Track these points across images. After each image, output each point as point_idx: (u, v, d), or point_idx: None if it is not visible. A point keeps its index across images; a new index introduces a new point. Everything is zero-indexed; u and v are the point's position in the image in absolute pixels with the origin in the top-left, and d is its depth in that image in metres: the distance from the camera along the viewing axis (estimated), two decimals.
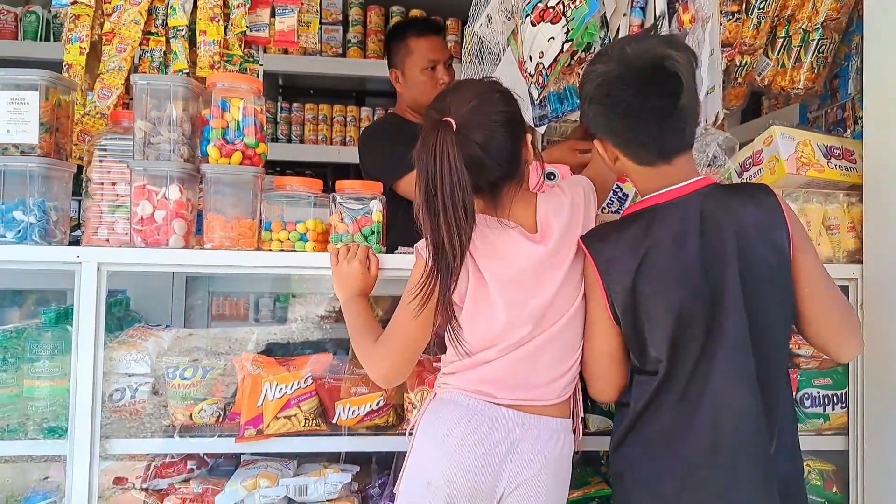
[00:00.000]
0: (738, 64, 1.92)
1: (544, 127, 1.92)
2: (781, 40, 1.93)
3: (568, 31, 1.63)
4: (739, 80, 1.95)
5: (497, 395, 1.24)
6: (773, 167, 1.54)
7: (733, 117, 2.51)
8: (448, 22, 3.46)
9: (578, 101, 1.83)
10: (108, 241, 1.47)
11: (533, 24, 1.70)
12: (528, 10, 1.71)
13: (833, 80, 2.02)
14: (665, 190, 1.20)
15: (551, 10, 1.66)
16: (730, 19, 1.87)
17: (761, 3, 1.89)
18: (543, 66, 1.69)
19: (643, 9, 1.79)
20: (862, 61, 1.64)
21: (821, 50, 1.90)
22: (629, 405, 1.22)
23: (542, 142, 3.55)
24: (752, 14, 1.87)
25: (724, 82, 1.86)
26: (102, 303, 1.39)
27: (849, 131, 1.95)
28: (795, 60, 1.91)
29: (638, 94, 1.15)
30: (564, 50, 1.64)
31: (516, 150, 1.24)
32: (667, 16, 1.68)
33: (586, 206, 1.32)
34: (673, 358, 1.15)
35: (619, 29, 1.85)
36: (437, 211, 1.15)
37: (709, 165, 1.62)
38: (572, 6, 1.62)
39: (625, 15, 1.85)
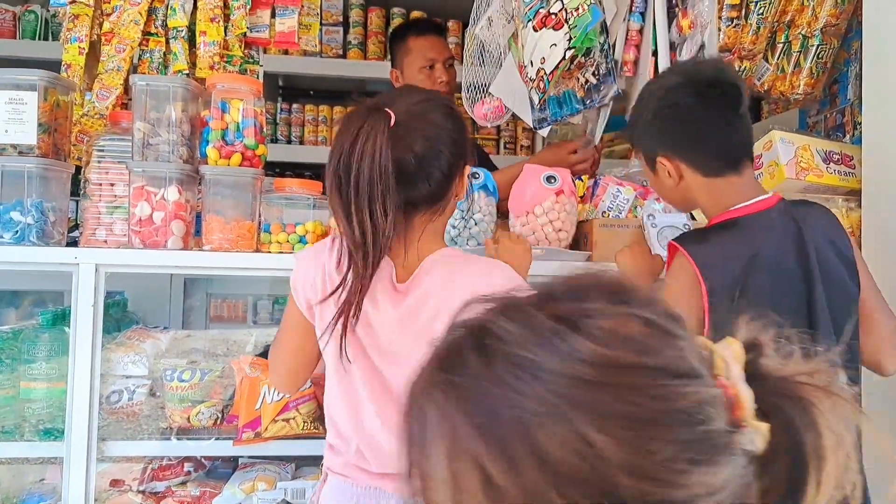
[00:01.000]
0: (737, 69, 1.92)
1: (546, 130, 1.92)
2: (781, 45, 1.93)
3: (570, 38, 1.63)
4: None
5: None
6: (772, 172, 1.55)
7: None
8: (449, 24, 3.46)
9: (578, 103, 1.84)
10: (106, 242, 1.47)
11: (535, 30, 1.70)
12: (531, 16, 1.71)
13: (832, 86, 2.02)
14: (752, 201, 1.17)
15: (553, 17, 1.66)
16: (729, 25, 1.87)
17: (761, 8, 1.89)
18: (545, 72, 1.69)
19: (643, 14, 1.80)
20: (861, 67, 1.64)
21: (820, 55, 1.90)
22: None
23: (544, 145, 3.55)
24: (751, 19, 1.87)
25: None
26: (100, 304, 1.38)
27: (848, 136, 1.95)
28: (795, 66, 1.91)
29: (702, 99, 1.16)
30: (566, 57, 1.65)
31: (450, 175, 1.08)
32: (706, 46, 1.68)
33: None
34: None
35: (618, 34, 1.86)
36: (349, 202, 1.00)
37: None
38: (575, 14, 1.62)
39: (624, 20, 1.86)
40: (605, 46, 1.76)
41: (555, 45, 1.65)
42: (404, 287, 1.07)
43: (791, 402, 0.44)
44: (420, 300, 1.06)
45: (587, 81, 1.78)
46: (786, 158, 1.53)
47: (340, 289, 1.04)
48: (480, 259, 1.17)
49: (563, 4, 1.65)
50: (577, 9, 1.62)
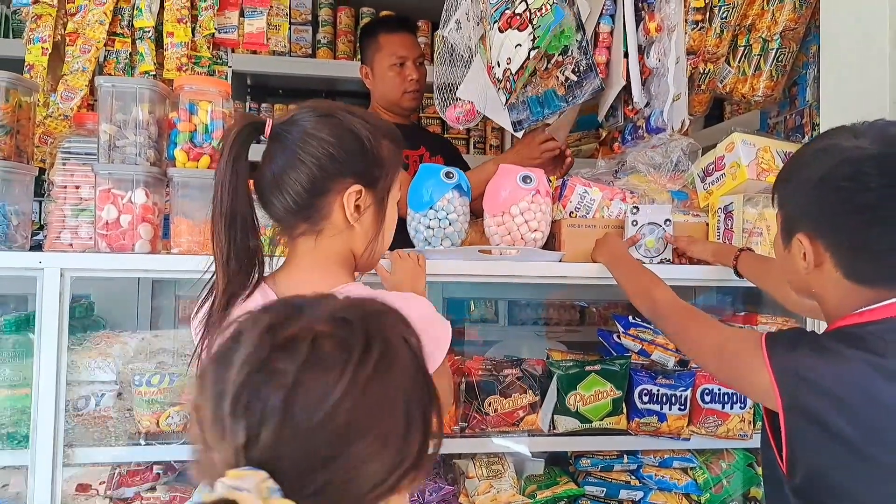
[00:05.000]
0: (701, 71, 1.97)
1: (521, 132, 1.94)
2: (742, 49, 1.99)
3: (534, 38, 1.65)
4: (703, 87, 2.00)
5: None
6: (734, 173, 1.59)
7: (697, 123, 2.57)
8: (419, 24, 3.47)
9: (560, 101, 1.84)
10: (71, 245, 1.44)
11: (501, 31, 1.72)
12: (496, 17, 1.73)
13: (792, 88, 2.08)
14: (889, 302, 0.91)
15: (518, 17, 1.68)
16: (694, 28, 1.92)
17: (724, 12, 1.94)
18: (511, 73, 1.71)
19: (612, 16, 1.83)
20: (819, 70, 1.69)
21: (779, 58, 1.96)
22: None
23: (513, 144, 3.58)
24: (714, 23, 1.92)
25: (688, 89, 1.90)
26: (65, 309, 1.36)
27: (807, 137, 2.01)
28: (755, 68, 1.97)
29: (895, 187, 0.88)
30: (531, 57, 1.67)
31: (316, 193, 1.00)
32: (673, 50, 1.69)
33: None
34: None
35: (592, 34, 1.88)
36: (214, 213, 0.99)
37: (673, 171, 1.66)
38: (539, 14, 1.64)
39: (598, 22, 1.89)
40: (584, 43, 1.78)
41: (519, 45, 1.66)
42: None
43: None
44: None
45: (567, 79, 1.79)
46: (747, 160, 1.57)
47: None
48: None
49: (527, 5, 1.67)
50: (540, 9, 1.64)
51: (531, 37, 1.66)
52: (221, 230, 0.98)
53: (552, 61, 1.73)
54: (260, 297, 1.02)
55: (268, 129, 1.01)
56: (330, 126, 1.01)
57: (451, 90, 2.03)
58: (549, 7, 1.64)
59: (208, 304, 1.02)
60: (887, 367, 0.86)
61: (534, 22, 1.66)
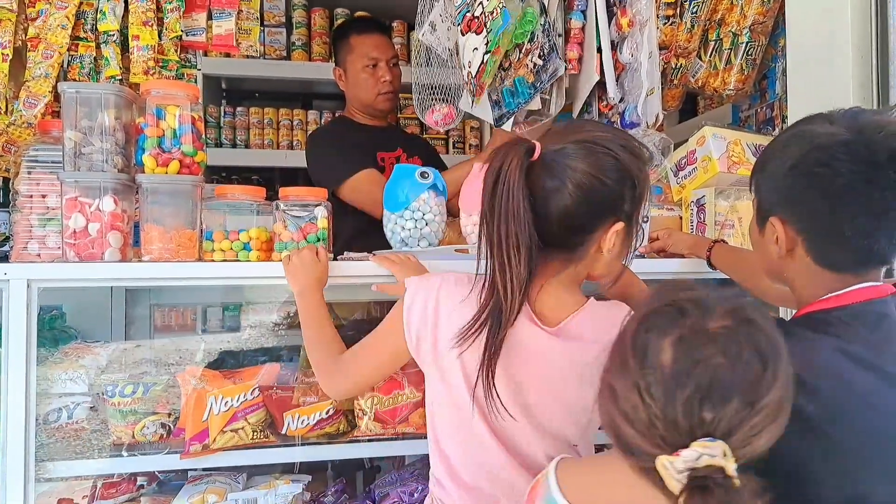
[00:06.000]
0: (673, 66, 1.98)
1: (509, 124, 1.93)
2: (713, 43, 2.01)
3: (487, 42, 1.65)
4: (675, 81, 2.01)
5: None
6: (706, 166, 1.60)
7: (671, 117, 2.60)
8: (394, 24, 3.46)
9: (529, 88, 1.82)
10: (39, 255, 1.41)
11: (462, 34, 1.71)
12: (459, 20, 1.73)
13: (762, 81, 2.10)
14: (854, 288, 0.93)
15: (476, 20, 1.68)
16: (665, 23, 1.93)
17: (694, 7, 1.95)
18: (471, 76, 1.71)
19: (584, 12, 1.83)
20: (787, 63, 1.71)
21: (749, 52, 1.98)
22: None
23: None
24: (685, 18, 1.93)
25: (661, 84, 1.91)
26: (33, 321, 1.33)
27: (777, 129, 2.04)
28: (726, 62, 1.99)
29: (866, 174, 0.87)
30: (484, 61, 1.66)
31: (588, 219, 1.01)
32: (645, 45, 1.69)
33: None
34: None
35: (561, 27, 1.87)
36: (491, 237, 0.99)
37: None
38: (490, 18, 1.64)
39: (569, 18, 1.88)
40: (546, 26, 1.78)
41: (476, 48, 1.66)
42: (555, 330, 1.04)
43: None
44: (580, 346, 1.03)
45: (535, 65, 1.79)
46: (718, 153, 1.58)
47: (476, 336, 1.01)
48: (614, 305, 1.12)
49: (483, 8, 1.67)
50: (492, 12, 1.64)
51: (485, 40, 1.66)
52: (520, 262, 0.98)
53: (522, 50, 1.72)
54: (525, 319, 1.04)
55: (538, 150, 1.00)
56: (601, 161, 1.00)
57: (429, 91, 2.02)
58: (498, 11, 1.64)
59: (483, 331, 1.01)
60: (851, 350, 0.88)
61: (487, 25, 1.66)
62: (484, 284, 1.02)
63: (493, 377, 1.00)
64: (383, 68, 2.19)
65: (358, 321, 1.95)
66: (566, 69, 1.80)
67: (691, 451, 0.67)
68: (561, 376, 1.03)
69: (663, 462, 0.68)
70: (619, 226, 1.01)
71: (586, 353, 1.01)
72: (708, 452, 0.67)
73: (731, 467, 0.67)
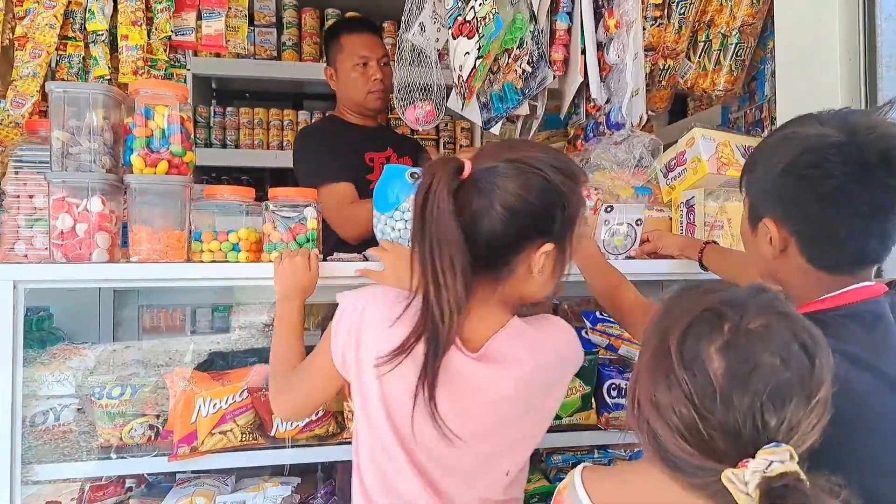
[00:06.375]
0: (661, 67, 1.99)
1: (497, 127, 1.93)
2: (702, 44, 2.02)
3: (479, 47, 1.66)
4: (663, 82, 2.02)
5: None
6: (695, 167, 1.61)
7: (661, 119, 2.61)
8: (384, 25, 3.45)
9: (517, 94, 1.84)
10: (26, 256, 1.40)
11: (454, 38, 1.72)
12: (450, 23, 1.73)
13: (751, 83, 2.12)
14: (849, 288, 0.93)
15: (468, 25, 1.69)
16: (653, 24, 1.94)
17: (682, 8, 1.96)
18: (462, 79, 1.71)
19: (570, 14, 1.84)
20: (775, 64, 1.72)
21: (738, 54, 1.99)
22: None
23: (483, 144, 3.59)
24: (673, 19, 1.94)
25: (648, 85, 1.92)
26: (20, 322, 1.32)
27: (766, 131, 2.05)
28: (715, 63, 2.00)
29: (858, 174, 0.87)
30: (476, 66, 1.67)
31: (516, 240, 0.98)
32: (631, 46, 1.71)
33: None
34: None
35: (547, 30, 1.89)
36: (423, 259, 0.95)
37: (636, 167, 1.67)
38: (483, 24, 1.65)
39: (555, 20, 1.90)
40: (536, 33, 1.79)
41: (468, 53, 1.67)
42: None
43: None
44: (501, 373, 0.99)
45: (524, 71, 1.80)
46: (707, 154, 1.59)
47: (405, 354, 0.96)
48: (547, 323, 1.09)
49: (475, 13, 1.68)
50: (484, 18, 1.64)
51: (477, 46, 1.67)
52: (456, 284, 0.93)
53: (511, 55, 1.73)
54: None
55: (468, 170, 0.96)
56: (530, 182, 0.96)
57: (410, 89, 2.02)
58: (491, 17, 1.64)
59: (406, 356, 0.96)
60: (850, 351, 0.88)
61: (479, 31, 1.66)
62: (411, 303, 0.98)
63: (435, 404, 0.95)
64: (373, 67, 2.19)
65: None
66: (554, 76, 1.81)
67: (760, 460, 0.65)
68: (486, 401, 0.99)
69: (729, 476, 0.65)
70: (549, 247, 0.98)
71: (511, 374, 0.98)
72: (777, 459, 0.64)
73: (801, 471, 0.65)
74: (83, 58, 1.65)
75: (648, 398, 0.74)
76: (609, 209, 1.56)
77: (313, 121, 3.48)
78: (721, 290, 0.78)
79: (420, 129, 2.04)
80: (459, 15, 1.71)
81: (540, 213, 0.97)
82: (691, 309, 0.76)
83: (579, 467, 0.87)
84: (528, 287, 1.03)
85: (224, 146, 3.43)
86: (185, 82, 1.97)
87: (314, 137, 2.26)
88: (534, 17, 1.79)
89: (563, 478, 1.64)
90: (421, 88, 1.96)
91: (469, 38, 1.67)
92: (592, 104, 1.86)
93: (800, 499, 0.63)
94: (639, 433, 0.77)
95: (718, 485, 0.66)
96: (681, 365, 0.72)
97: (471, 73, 1.68)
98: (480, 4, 1.69)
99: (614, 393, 1.61)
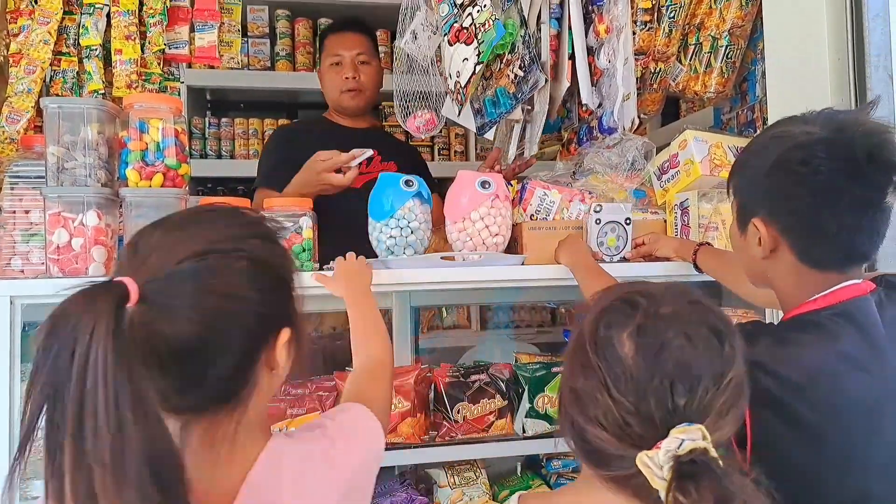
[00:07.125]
0: (652, 71, 2.00)
1: (491, 132, 1.94)
2: (693, 47, 2.03)
3: (479, 53, 1.67)
4: (655, 86, 2.03)
5: None
6: (688, 170, 1.62)
7: (653, 121, 2.62)
8: (377, 33, 3.46)
9: (510, 99, 1.85)
10: (23, 272, 1.40)
11: (450, 44, 1.73)
12: (446, 30, 1.74)
13: (742, 84, 2.13)
14: (839, 287, 0.93)
15: (465, 31, 1.70)
16: (643, 28, 1.95)
17: (672, 11, 1.98)
18: (461, 86, 1.72)
19: (559, 19, 1.86)
20: (766, 65, 1.74)
21: (729, 55, 2.00)
22: None
23: (477, 150, 3.59)
24: (663, 23, 1.96)
25: (639, 89, 1.93)
26: (17, 338, 1.32)
27: (758, 131, 2.06)
28: (706, 66, 2.01)
29: (846, 170, 0.88)
30: (476, 71, 1.68)
31: (244, 353, 0.74)
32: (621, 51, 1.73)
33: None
34: None
35: (538, 37, 1.90)
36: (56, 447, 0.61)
37: (629, 170, 1.68)
38: (482, 29, 1.66)
39: (543, 23, 1.91)
40: (527, 37, 1.80)
41: (466, 59, 1.68)
42: None
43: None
44: None
45: (516, 76, 1.81)
46: (700, 156, 1.60)
47: None
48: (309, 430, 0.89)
49: (472, 19, 1.69)
50: (484, 24, 1.65)
51: (476, 52, 1.68)
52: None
53: (503, 60, 1.74)
54: None
55: (135, 293, 0.68)
56: (231, 276, 0.74)
57: (410, 98, 2.03)
58: (491, 23, 1.66)
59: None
60: (844, 351, 0.89)
61: (478, 37, 1.67)
62: None
63: None
64: (347, 66, 2.13)
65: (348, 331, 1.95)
66: (546, 80, 1.83)
67: (671, 439, 0.65)
68: None
69: (644, 459, 0.65)
70: (286, 334, 0.77)
71: None
72: (688, 437, 0.65)
73: (713, 449, 0.65)
74: (77, 73, 1.66)
75: (569, 390, 0.75)
76: (598, 209, 1.57)
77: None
78: (639, 284, 0.80)
79: (422, 136, 2.04)
80: (455, 22, 1.72)
81: (263, 305, 0.74)
82: (607, 300, 0.78)
83: (515, 496, 0.87)
84: (273, 386, 0.80)
85: (219, 157, 3.44)
86: (179, 94, 1.98)
87: (275, 138, 2.27)
88: (524, 22, 1.80)
89: (564, 483, 1.65)
90: (420, 97, 1.97)
91: (467, 45, 1.68)
92: (585, 108, 1.87)
93: (710, 476, 0.63)
94: (567, 438, 0.78)
95: (641, 477, 0.66)
96: (594, 352, 0.73)
97: (469, 78, 1.69)
98: (479, 11, 1.70)
99: None
